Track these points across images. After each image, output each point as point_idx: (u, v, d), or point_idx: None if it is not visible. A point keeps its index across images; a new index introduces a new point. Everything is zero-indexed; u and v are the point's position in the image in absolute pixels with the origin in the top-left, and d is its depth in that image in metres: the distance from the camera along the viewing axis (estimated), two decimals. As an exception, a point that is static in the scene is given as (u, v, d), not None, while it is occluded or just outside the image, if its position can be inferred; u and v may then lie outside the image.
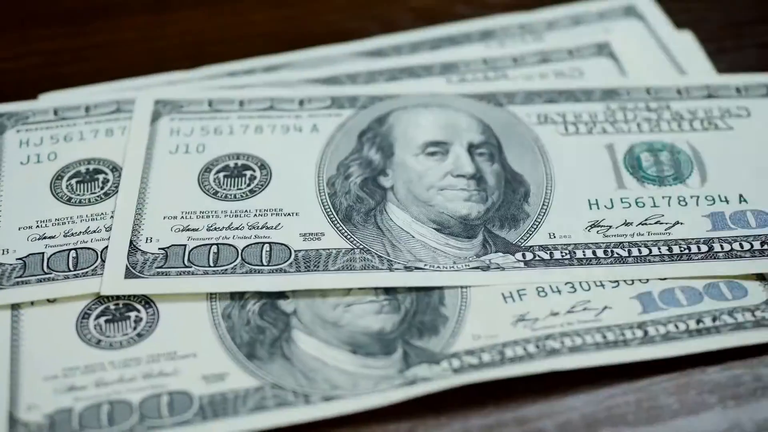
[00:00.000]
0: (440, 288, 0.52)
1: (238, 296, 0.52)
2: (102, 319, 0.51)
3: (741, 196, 0.56)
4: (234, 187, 0.56)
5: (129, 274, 0.52)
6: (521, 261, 0.53)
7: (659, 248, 0.54)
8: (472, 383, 0.48)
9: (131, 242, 0.53)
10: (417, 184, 0.56)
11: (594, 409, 0.49)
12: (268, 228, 0.54)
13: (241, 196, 0.56)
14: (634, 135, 0.59)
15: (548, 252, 0.53)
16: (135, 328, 0.51)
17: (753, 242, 0.54)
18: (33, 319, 0.51)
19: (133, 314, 0.51)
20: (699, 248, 0.54)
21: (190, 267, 0.52)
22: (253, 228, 0.54)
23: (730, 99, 0.61)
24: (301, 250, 0.53)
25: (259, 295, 0.52)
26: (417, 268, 0.52)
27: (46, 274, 0.52)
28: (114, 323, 0.51)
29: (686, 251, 0.53)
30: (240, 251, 0.53)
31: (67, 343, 0.50)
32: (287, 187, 0.56)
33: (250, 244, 0.53)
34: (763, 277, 0.53)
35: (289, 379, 0.49)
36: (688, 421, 0.48)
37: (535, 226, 0.55)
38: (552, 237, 0.54)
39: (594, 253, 0.53)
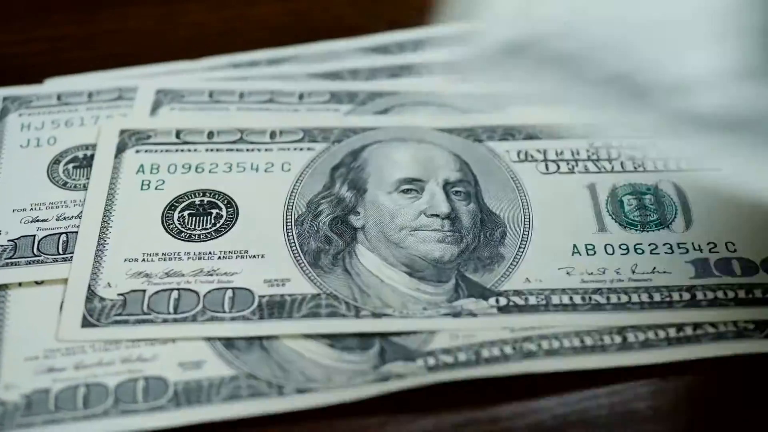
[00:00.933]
0: (407, 333, 0.50)
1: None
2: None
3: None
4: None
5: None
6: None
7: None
8: (446, 381, 0.48)
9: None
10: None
11: (566, 411, 0.49)
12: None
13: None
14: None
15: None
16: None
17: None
18: (19, 300, 0.52)
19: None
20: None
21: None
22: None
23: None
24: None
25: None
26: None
27: (35, 256, 0.53)
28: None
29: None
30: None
31: (51, 325, 0.51)
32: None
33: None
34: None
35: (264, 370, 0.49)
36: (662, 425, 0.48)
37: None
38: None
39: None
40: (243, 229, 0.54)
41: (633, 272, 0.53)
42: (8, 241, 0.54)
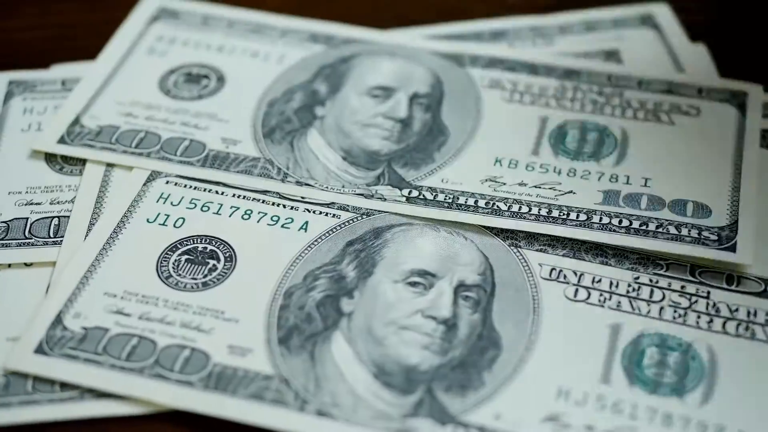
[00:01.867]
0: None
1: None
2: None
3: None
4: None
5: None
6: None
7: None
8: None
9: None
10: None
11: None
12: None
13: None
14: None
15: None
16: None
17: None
18: (8, 281, 0.52)
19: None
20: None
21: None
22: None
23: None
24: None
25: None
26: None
27: (26, 239, 0.54)
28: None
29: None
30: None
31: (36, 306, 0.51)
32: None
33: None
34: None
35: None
36: None
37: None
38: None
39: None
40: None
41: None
42: (1, 222, 0.54)
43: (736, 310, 0.50)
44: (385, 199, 0.54)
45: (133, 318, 0.50)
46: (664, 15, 0.66)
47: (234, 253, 0.53)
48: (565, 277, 0.52)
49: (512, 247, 0.53)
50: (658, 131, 0.58)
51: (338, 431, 0.46)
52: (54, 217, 0.55)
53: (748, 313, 0.50)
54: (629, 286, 0.51)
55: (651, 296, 0.51)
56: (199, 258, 0.53)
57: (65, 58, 0.64)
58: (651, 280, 0.51)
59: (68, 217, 0.55)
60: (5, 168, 0.57)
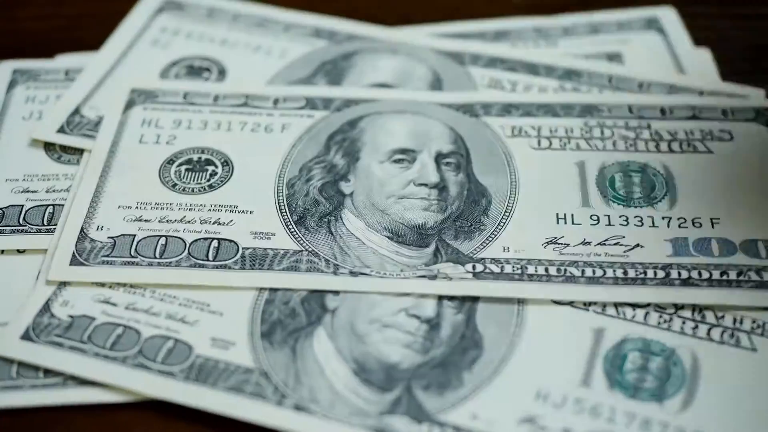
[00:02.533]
0: (379, 293, 0.51)
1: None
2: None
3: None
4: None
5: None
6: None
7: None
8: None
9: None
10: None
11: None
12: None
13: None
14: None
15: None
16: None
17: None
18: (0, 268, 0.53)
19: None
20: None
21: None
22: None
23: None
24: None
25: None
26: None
27: (20, 226, 0.54)
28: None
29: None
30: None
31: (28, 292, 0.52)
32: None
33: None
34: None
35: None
36: None
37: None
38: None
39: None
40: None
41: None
42: (-3, 209, 0.55)
43: (722, 317, 0.50)
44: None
45: (120, 308, 0.50)
46: (670, 19, 0.65)
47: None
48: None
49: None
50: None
51: (315, 426, 0.47)
52: (49, 205, 0.55)
53: (734, 320, 0.50)
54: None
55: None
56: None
57: (72, 48, 0.64)
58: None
59: (62, 205, 0.55)
60: (4, 155, 0.58)
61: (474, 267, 0.51)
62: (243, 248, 0.52)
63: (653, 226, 0.53)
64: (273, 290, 0.51)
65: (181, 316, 0.50)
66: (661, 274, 0.51)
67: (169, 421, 0.48)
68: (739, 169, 0.56)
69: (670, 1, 0.66)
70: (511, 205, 0.54)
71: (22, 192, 0.56)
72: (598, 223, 0.53)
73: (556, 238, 0.52)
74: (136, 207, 0.54)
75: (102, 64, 0.62)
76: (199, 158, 0.57)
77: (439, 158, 0.56)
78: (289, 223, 0.53)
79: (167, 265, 0.52)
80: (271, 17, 0.65)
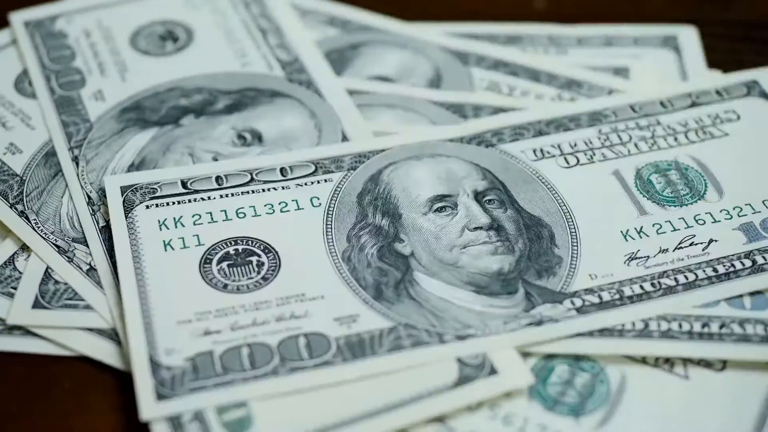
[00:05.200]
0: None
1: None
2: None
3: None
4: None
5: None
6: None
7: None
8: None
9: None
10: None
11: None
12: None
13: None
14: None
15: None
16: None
17: None
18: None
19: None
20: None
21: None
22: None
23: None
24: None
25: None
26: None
27: None
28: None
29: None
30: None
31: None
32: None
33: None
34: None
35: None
36: None
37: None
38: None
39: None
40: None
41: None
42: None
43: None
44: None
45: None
46: (689, 38, 0.64)
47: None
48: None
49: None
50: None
51: (484, 347, 0.48)
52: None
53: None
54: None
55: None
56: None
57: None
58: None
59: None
60: None
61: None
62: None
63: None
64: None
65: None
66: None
67: (97, 374, 0.49)
68: (760, 143, 0.57)
69: (700, 21, 0.65)
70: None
71: None
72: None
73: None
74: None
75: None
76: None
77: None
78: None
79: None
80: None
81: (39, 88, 0.61)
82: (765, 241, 0.52)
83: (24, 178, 0.57)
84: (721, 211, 0.54)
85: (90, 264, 0.53)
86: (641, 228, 0.53)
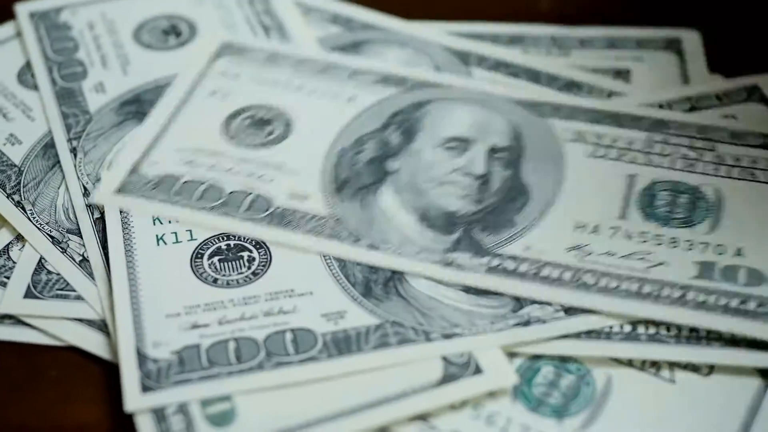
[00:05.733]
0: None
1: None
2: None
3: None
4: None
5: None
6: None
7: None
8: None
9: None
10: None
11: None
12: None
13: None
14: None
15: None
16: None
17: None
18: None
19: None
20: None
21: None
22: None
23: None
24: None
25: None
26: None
27: None
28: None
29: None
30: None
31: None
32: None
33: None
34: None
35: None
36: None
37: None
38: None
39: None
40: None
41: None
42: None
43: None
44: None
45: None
46: (692, 42, 0.64)
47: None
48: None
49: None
50: (754, 191, 0.54)
51: (388, 260, 0.51)
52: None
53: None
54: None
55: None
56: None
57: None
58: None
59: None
60: None
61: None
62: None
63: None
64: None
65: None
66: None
67: (85, 364, 0.50)
68: None
69: (704, 26, 0.65)
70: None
71: None
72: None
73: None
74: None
75: (158, 119, 0.58)
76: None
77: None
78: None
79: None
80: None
81: (41, 79, 0.61)
82: (711, 284, 0.50)
83: (22, 168, 0.57)
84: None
85: (83, 255, 0.53)
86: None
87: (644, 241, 0.52)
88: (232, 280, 0.51)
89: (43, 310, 0.51)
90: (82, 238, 0.54)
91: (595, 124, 0.57)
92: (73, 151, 0.58)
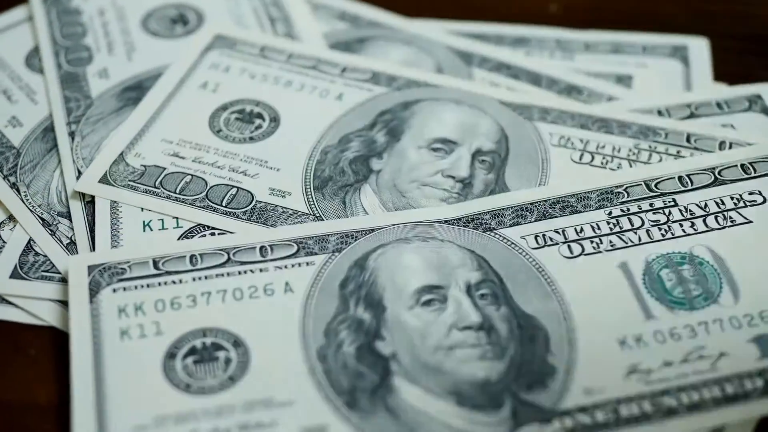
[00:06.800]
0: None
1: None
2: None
3: None
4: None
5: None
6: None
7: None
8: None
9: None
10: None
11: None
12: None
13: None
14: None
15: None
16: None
17: None
18: None
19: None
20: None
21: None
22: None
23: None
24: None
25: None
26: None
27: None
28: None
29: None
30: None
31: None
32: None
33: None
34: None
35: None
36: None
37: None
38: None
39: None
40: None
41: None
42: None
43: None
44: None
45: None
46: (699, 49, 0.63)
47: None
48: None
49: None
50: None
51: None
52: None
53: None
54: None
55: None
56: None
57: None
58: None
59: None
60: None
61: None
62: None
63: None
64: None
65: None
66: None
67: (63, 344, 0.50)
68: None
69: (712, 33, 0.64)
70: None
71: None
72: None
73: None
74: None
75: (148, 108, 0.59)
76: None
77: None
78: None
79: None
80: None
81: (47, 62, 0.62)
82: None
83: (21, 150, 0.58)
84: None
85: (71, 238, 0.54)
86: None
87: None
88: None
89: (28, 291, 0.52)
90: (71, 221, 0.54)
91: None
92: (72, 134, 0.58)
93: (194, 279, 0.50)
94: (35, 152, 0.58)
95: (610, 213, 0.52)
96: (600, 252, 0.51)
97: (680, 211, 0.53)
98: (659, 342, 0.48)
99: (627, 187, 0.53)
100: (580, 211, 0.52)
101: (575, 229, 0.52)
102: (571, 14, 0.67)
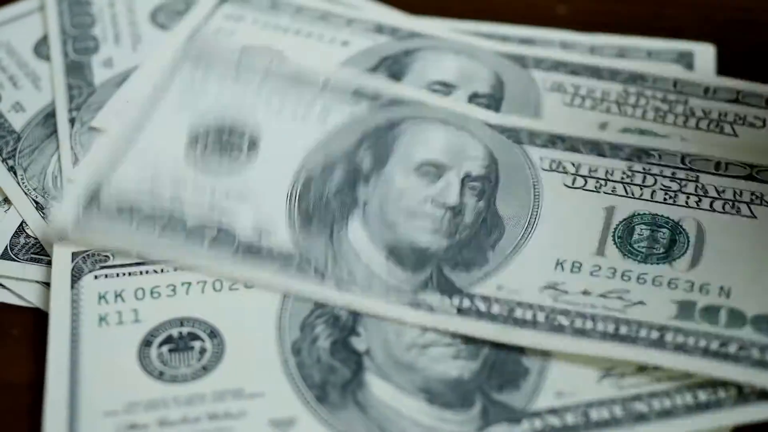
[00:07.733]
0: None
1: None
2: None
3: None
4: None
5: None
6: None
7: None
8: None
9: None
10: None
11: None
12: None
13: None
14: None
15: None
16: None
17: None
18: None
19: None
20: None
21: None
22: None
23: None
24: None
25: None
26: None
27: None
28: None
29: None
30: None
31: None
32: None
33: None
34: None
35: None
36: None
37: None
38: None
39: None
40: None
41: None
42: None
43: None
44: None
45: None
46: (705, 56, 0.63)
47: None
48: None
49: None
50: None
51: (355, 301, 0.49)
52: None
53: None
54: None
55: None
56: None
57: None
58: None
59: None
60: None
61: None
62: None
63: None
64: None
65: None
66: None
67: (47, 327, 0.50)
68: None
69: (720, 40, 0.63)
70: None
71: None
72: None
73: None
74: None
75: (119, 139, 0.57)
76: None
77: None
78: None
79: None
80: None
81: (54, 50, 0.63)
82: (690, 324, 0.47)
83: (21, 135, 0.59)
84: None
85: (62, 222, 0.54)
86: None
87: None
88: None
89: (16, 272, 0.53)
90: (64, 205, 0.55)
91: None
92: (72, 120, 0.59)
93: (175, 269, 0.50)
94: (35, 137, 0.59)
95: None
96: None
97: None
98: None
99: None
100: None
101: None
102: (579, 16, 0.66)
